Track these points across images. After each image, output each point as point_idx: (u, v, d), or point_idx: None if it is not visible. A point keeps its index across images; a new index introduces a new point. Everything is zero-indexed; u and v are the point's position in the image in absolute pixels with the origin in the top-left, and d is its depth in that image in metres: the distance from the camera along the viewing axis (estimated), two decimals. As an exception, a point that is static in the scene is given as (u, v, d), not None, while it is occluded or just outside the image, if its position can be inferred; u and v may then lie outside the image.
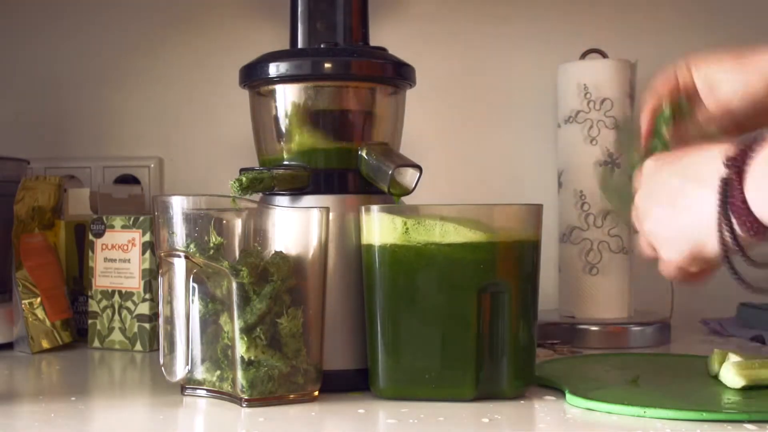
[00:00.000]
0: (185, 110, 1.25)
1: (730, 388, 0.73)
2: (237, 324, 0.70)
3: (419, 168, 0.77)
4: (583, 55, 1.08)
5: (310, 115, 0.79)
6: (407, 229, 0.71)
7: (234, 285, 0.70)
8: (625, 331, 1.00)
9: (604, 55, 1.07)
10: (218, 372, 0.73)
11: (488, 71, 1.22)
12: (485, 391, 0.71)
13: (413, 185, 0.77)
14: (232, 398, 0.72)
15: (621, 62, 1.03)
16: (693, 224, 0.61)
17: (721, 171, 0.58)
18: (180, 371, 0.74)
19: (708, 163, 0.60)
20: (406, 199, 0.78)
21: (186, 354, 0.73)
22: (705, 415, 0.63)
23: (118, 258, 1.00)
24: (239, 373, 0.70)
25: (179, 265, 0.73)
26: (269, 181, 0.76)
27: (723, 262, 0.60)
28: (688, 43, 1.20)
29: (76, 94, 1.27)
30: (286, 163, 0.80)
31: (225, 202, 0.74)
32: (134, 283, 0.99)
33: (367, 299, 0.74)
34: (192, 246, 0.72)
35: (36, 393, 0.77)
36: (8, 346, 1.00)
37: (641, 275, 1.14)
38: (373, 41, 0.87)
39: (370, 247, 0.73)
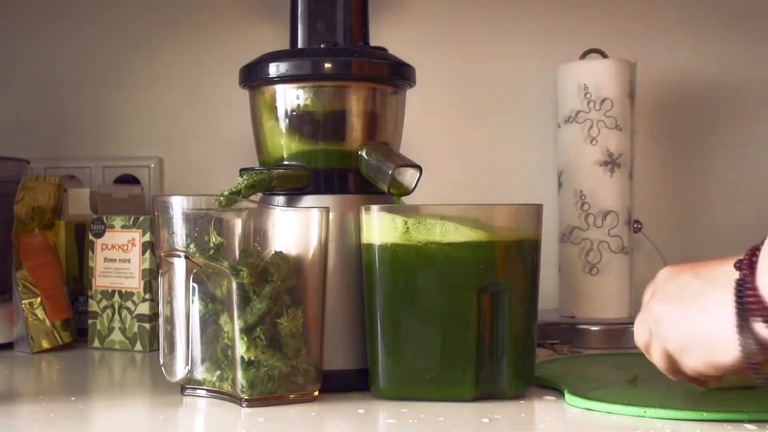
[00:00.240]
0: (185, 110, 1.25)
1: (729, 388, 0.73)
2: (237, 324, 0.70)
3: (419, 168, 0.77)
4: (583, 55, 1.07)
5: (310, 115, 0.79)
6: (408, 228, 0.71)
7: (234, 285, 0.70)
8: (625, 331, 1.00)
9: (604, 55, 1.07)
10: (218, 372, 0.73)
11: (488, 71, 1.22)
12: (485, 391, 0.71)
13: (413, 185, 0.77)
14: (232, 398, 0.72)
15: (621, 62, 1.03)
16: (709, 326, 0.61)
17: (735, 274, 0.59)
18: (180, 371, 0.74)
19: (721, 268, 0.61)
20: (406, 199, 0.78)
21: (186, 354, 0.73)
22: (705, 415, 0.63)
23: (118, 258, 1.00)
24: (239, 373, 0.70)
25: (179, 265, 0.73)
26: (269, 181, 0.76)
27: (745, 364, 0.59)
28: (688, 43, 1.20)
29: (76, 94, 1.27)
30: (286, 163, 0.80)
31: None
32: (134, 283, 0.99)
33: (367, 299, 0.74)
34: (192, 246, 0.72)
35: (36, 393, 0.77)
36: (8, 346, 1.00)
37: (641, 275, 1.14)
38: (373, 41, 0.87)
39: (370, 246, 0.73)
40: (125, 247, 0.99)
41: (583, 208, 1.03)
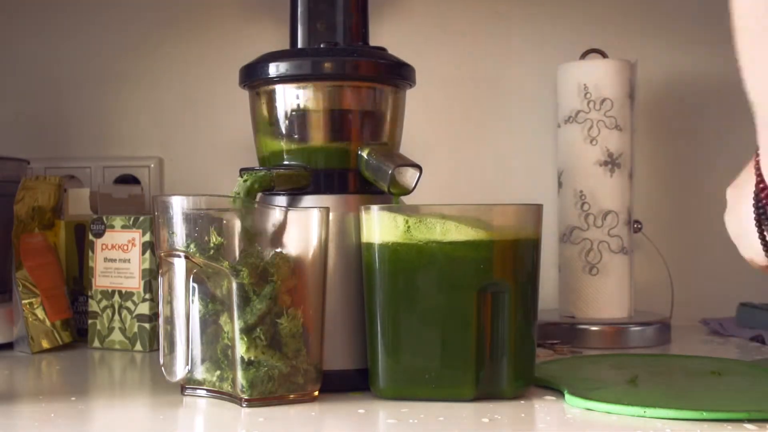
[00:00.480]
0: (185, 110, 1.25)
1: (729, 388, 0.73)
2: (237, 324, 0.70)
3: (419, 168, 0.77)
4: (583, 55, 1.08)
5: (310, 115, 0.79)
6: (409, 227, 0.71)
7: (234, 285, 0.70)
8: (625, 331, 1.00)
9: (604, 55, 1.07)
10: (218, 372, 0.73)
11: (488, 71, 1.22)
12: (485, 391, 0.71)
13: (413, 185, 0.77)
14: (232, 398, 0.72)
15: (621, 62, 1.03)
16: (739, 229, 0.64)
17: (754, 177, 0.61)
18: (180, 371, 0.74)
19: (747, 172, 0.64)
20: (406, 199, 0.78)
21: (186, 354, 0.73)
22: (705, 415, 0.63)
23: (118, 258, 1.00)
24: (239, 373, 0.70)
25: (179, 265, 0.73)
26: (269, 181, 0.76)
27: None
28: (688, 43, 1.20)
29: (76, 94, 1.27)
30: (286, 163, 0.80)
31: (225, 202, 0.74)
32: (134, 283, 0.99)
33: (367, 299, 0.74)
34: (192, 246, 0.72)
35: (36, 393, 0.77)
36: (8, 346, 1.00)
37: (641, 275, 1.14)
38: (373, 41, 0.87)
39: (370, 245, 0.73)
40: (125, 247, 0.99)
41: (583, 208, 1.03)
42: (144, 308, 0.98)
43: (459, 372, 0.71)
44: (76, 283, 1.08)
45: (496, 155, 1.22)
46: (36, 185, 1.02)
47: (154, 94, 1.26)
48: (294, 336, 0.71)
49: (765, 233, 0.61)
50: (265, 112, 0.81)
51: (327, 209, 0.74)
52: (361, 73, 0.79)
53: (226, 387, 0.72)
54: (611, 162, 1.02)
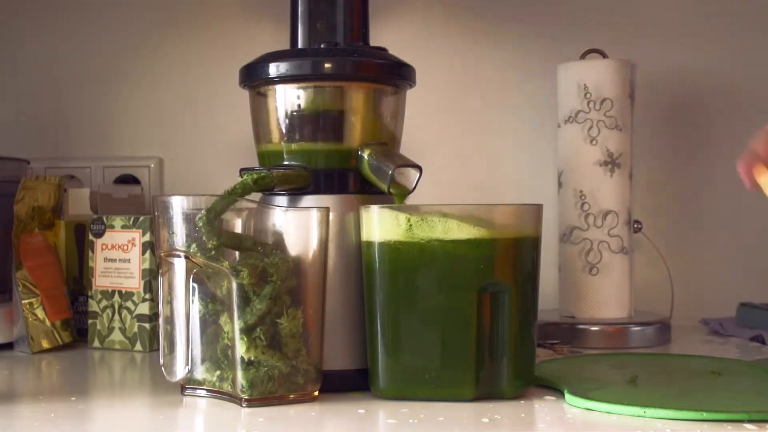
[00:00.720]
0: (185, 110, 1.25)
1: (729, 388, 0.73)
2: (237, 324, 0.70)
3: (419, 168, 0.77)
4: (583, 55, 1.07)
5: (310, 115, 0.79)
6: (411, 225, 0.71)
7: (234, 285, 0.70)
8: (625, 331, 1.00)
9: (604, 55, 1.07)
10: (218, 372, 0.73)
11: (488, 71, 1.22)
12: (485, 391, 0.71)
13: (413, 185, 0.77)
14: (232, 398, 0.72)
15: (621, 62, 1.03)
16: None
17: None
18: (180, 371, 0.74)
19: None
20: (406, 199, 0.78)
21: (186, 354, 0.73)
22: (705, 415, 0.63)
23: (118, 258, 1.00)
24: (239, 373, 0.70)
25: (179, 265, 0.73)
26: (269, 181, 0.76)
27: None
28: (688, 43, 1.20)
29: (76, 94, 1.27)
30: (286, 163, 0.80)
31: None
32: (134, 283, 0.99)
33: (367, 298, 0.74)
34: (192, 246, 0.72)
35: (36, 393, 0.77)
36: (8, 346, 1.00)
37: (641, 275, 1.14)
38: (373, 41, 0.87)
39: (370, 244, 0.73)
40: (125, 247, 0.99)
41: (583, 208, 1.03)
42: (144, 308, 0.98)
43: (459, 372, 0.71)
44: (76, 283, 1.08)
45: (497, 155, 1.22)
46: (36, 185, 1.02)
47: (154, 94, 1.26)
48: (294, 336, 0.71)
49: None
50: (265, 112, 0.81)
51: (327, 209, 0.74)
52: (362, 74, 0.79)
53: (226, 387, 0.72)
54: (611, 162, 1.02)
